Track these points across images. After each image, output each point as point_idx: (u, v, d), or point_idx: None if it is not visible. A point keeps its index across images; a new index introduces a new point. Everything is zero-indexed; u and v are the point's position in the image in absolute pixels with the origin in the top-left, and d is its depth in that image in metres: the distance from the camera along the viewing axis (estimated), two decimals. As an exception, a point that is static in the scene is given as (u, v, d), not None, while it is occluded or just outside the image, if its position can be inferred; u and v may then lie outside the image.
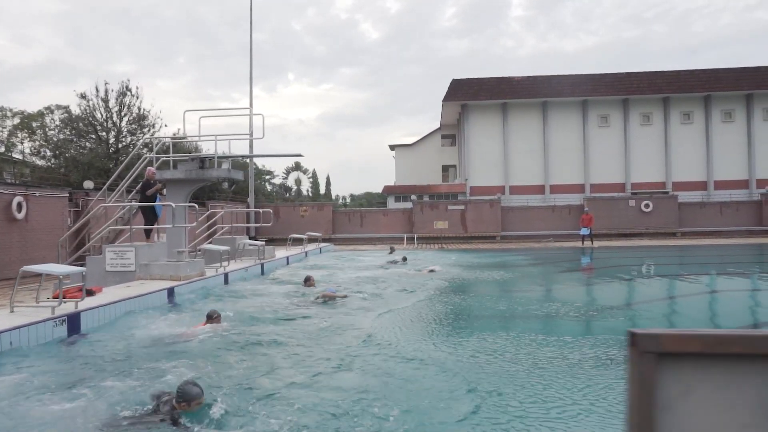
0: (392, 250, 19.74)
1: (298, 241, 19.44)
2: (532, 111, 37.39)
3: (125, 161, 13.66)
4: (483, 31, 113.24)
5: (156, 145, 13.28)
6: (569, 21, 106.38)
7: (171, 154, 13.34)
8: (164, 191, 11.71)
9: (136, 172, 12.72)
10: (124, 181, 12.52)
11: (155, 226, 11.22)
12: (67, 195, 14.86)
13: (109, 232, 12.32)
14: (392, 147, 46.20)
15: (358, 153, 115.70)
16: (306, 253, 18.83)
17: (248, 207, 28.54)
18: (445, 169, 45.55)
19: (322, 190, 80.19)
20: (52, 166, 37.67)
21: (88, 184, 15.18)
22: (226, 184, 12.71)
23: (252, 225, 19.89)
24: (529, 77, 37.36)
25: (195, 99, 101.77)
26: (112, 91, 35.58)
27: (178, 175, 12.54)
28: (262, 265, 13.99)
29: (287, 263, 16.26)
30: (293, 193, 73.02)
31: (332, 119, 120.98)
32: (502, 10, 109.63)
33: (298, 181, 74.76)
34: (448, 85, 37.47)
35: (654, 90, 36.16)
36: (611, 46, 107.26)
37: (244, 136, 12.20)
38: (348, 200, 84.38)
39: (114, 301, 7.49)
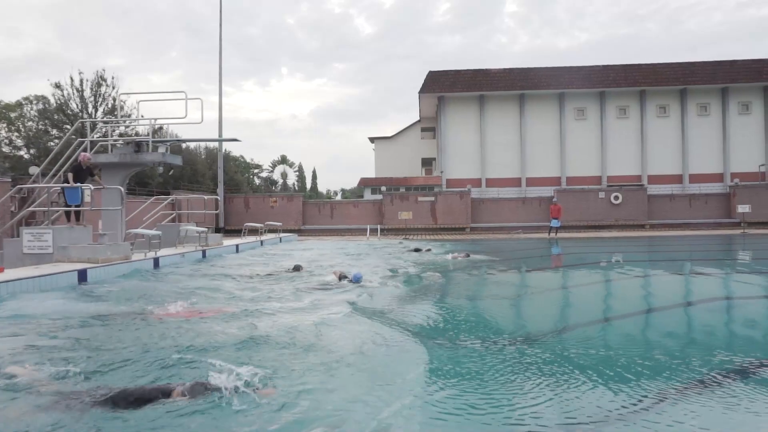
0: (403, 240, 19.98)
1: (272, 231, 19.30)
2: (509, 103, 37.33)
3: (59, 144, 13.50)
4: (477, 27, 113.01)
5: (92, 131, 13.11)
6: (562, 17, 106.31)
7: (109, 138, 13.19)
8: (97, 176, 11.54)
9: (73, 156, 12.57)
10: (58, 165, 12.37)
11: (82, 209, 11.05)
12: (9, 180, 14.66)
13: (44, 215, 12.17)
14: (372, 139, 46.04)
15: (350, 147, 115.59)
16: (261, 242, 18.69)
17: (217, 197, 28.40)
18: (428, 162, 45.44)
19: (309, 183, 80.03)
20: (27, 156, 37.41)
21: (33, 170, 14.97)
22: (161, 169, 12.53)
23: (203, 212, 19.64)
24: (505, 69, 37.25)
25: (188, 93, 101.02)
26: (87, 81, 35.31)
27: (112, 159, 12.40)
28: (204, 251, 13.84)
29: (237, 251, 16.13)
30: (279, 187, 72.77)
31: (325, 114, 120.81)
32: (495, 6, 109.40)
33: (284, 175, 74.51)
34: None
35: (630, 83, 36.17)
36: (604, 43, 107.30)
37: (182, 120, 12.00)
38: (339, 194, 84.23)
39: (4, 281, 7.36)
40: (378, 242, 20.97)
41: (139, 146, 12.53)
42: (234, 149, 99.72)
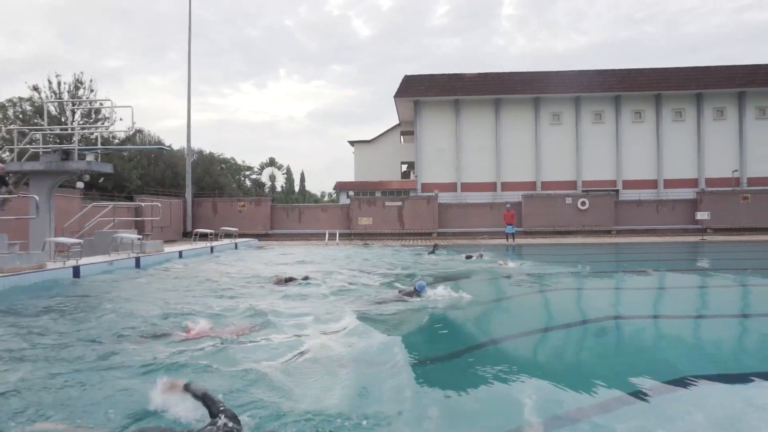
0: (435, 247, 17.94)
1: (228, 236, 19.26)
2: (485, 108, 37.37)
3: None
4: (475, 29, 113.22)
5: (25, 137, 13.14)
6: (561, 21, 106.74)
7: (41, 146, 13.22)
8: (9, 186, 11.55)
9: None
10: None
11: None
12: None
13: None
14: (352, 143, 46.06)
15: (347, 149, 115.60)
16: (212, 248, 18.69)
17: (185, 201, 28.45)
18: (411, 165, 45.43)
19: (297, 186, 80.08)
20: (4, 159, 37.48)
21: (-26, 176, 15.00)
22: (87, 177, 12.55)
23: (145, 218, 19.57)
24: (480, 74, 37.32)
25: (185, 95, 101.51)
26: (65, 84, 35.30)
27: (38, 167, 12.43)
28: (138, 259, 13.84)
29: (180, 257, 16.12)
30: (267, 189, 72.78)
31: (323, 116, 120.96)
32: (493, 9, 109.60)
33: (272, 177, 74.49)
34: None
35: (605, 88, 36.19)
36: (603, 46, 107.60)
37: (117, 128, 12.00)
38: (334, 196, 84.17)
39: None
40: (336, 250, 20.86)
41: (67, 154, 12.57)
42: (225, 151, 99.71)
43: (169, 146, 26.60)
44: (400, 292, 7.98)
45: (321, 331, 6.01)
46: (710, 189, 29.33)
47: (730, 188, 31.60)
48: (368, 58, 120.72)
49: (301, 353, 5.06)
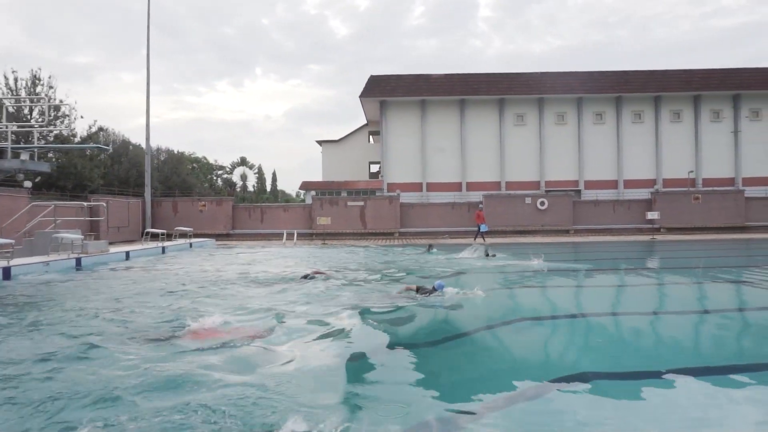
0: (430, 247, 18.43)
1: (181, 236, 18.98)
2: (450, 109, 37.69)
3: None
4: (451, 31, 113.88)
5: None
6: (536, 24, 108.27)
7: (-26, 145, 12.87)
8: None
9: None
10: None
11: None
12: None
13: None
14: (320, 142, 45.94)
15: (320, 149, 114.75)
16: (163, 248, 18.46)
17: (144, 201, 28.02)
18: (379, 165, 45.49)
19: (268, 186, 79.49)
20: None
21: None
22: (22, 176, 12.27)
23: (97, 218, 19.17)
24: (446, 75, 37.63)
25: (159, 93, 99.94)
26: (22, 80, 34.35)
27: (-31, 165, 12.13)
28: (79, 259, 13.61)
29: (126, 258, 15.89)
30: (238, 189, 72.08)
31: (299, 115, 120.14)
32: (469, 11, 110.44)
33: (243, 177, 73.80)
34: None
35: (567, 90, 36.84)
36: (577, 49, 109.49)
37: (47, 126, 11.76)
38: (303, 195, 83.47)
39: None
40: (294, 250, 20.81)
41: (1, 153, 12.29)
42: (200, 150, 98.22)
43: (133, 145, 26.02)
44: (418, 291, 8.06)
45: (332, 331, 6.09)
46: (664, 189, 30.16)
47: (684, 189, 32.53)
48: (345, 58, 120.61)
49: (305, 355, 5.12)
